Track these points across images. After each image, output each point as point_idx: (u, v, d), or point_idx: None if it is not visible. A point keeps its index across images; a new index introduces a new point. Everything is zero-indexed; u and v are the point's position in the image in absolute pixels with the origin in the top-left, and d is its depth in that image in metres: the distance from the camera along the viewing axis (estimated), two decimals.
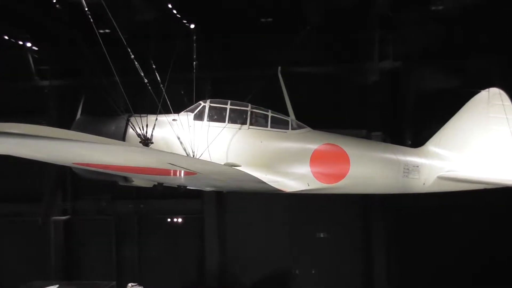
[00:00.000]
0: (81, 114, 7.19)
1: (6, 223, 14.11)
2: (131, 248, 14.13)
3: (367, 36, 12.09)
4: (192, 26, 11.57)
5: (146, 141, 5.01)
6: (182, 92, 8.07)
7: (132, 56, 5.91)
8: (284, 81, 12.00)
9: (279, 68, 7.64)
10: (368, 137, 12.14)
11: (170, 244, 14.06)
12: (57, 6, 9.35)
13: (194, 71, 6.79)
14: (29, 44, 12.93)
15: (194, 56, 6.92)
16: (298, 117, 11.89)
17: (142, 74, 6.11)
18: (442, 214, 12.12)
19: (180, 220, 13.59)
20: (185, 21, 11.35)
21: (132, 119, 7.03)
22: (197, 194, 12.91)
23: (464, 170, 7.40)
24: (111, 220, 14.20)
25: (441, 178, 7.32)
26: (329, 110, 12.54)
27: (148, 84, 6.18)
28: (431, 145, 7.66)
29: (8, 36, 12.35)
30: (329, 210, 12.92)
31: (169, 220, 13.92)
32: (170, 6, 10.75)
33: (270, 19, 11.98)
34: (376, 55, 12.24)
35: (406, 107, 12.07)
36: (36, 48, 13.23)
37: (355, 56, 12.46)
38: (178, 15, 11.13)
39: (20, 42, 12.73)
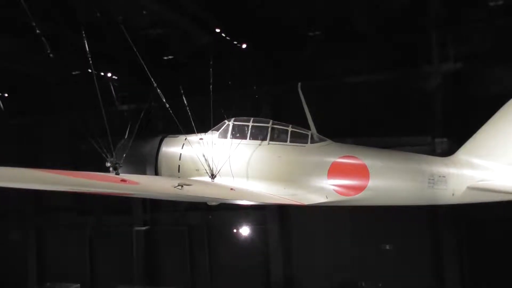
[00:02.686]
0: (127, 136, 8.37)
1: (98, 233, 16.30)
2: (203, 257, 15.27)
3: (424, 38, 11.76)
4: (244, 45, 12.44)
5: (114, 165, 5.71)
6: (222, 111, 8.83)
7: (155, 85, 6.83)
8: (345, 91, 12.26)
9: (299, 84, 7.98)
10: (432, 144, 11.80)
11: (237, 254, 14.88)
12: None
13: (211, 93, 7.49)
14: (109, 74, 14.85)
15: (211, 81, 7.62)
16: (356, 125, 12.04)
17: (164, 100, 7.01)
18: None
19: (246, 230, 14.33)
20: (235, 42, 12.24)
21: (166, 139, 8.00)
22: (261, 206, 13.59)
23: (498, 179, 6.94)
24: (185, 231, 15.52)
25: (471, 188, 6.97)
26: (392, 118, 12.36)
27: (169, 108, 7.06)
28: (462, 153, 7.33)
29: (91, 70, 14.41)
30: (395, 220, 12.60)
31: (235, 230, 14.79)
32: (218, 30, 11.67)
33: (318, 32, 12.28)
34: (436, 57, 11.85)
35: (466, 111, 11.42)
36: (116, 77, 15.15)
37: (414, 61, 12.17)
38: (227, 38, 12.03)
39: (102, 73, 14.71)
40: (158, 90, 6.98)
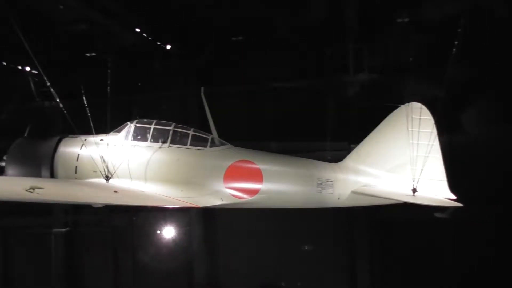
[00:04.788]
0: (26, 135, 8.26)
1: (16, 235, 15.65)
2: (126, 259, 15.11)
3: (341, 49, 12.43)
4: (168, 46, 12.55)
5: None
6: (138, 117, 8.88)
7: (48, 84, 6.83)
8: (266, 97, 12.67)
9: (202, 88, 8.25)
10: (349, 149, 12.49)
11: (161, 255, 14.87)
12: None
13: (109, 96, 7.61)
14: (28, 68, 14.36)
15: (109, 82, 7.73)
16: (278, 130, 12.47)
17: (58, 100, 7.03)
18: (434, 228, 11.94)
19: (171, 232, 14.38)
20: (159, 43, 12.32)
21: (65, 139, 7.99)
22: (187, 208, 13.64)
23: (380, 184, 7.58)
24: (108, 232, 15.24)
25: (355, 192, 7.57)
26: (312, 124, 12.91)
27: (63, 109, 7.08)
28: (350, 160, 7.96)
29: (7, 62, 13.89)
30: (317, 222, 13.16)
31: (159, 232, 14.79)
32: (138, 30, 11.72)
33: (240, 38, 12.65)
34: (351, 68, 12.54)
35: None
36: (35, 72, 14.67)
37: (331, 70, 12.80)
38: (149, 38, 12.10)
39: (20, 67, 14.20)
40: (52, 89, 6.98)
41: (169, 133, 7.91)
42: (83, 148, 7.82)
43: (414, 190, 7.04)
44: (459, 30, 6.45)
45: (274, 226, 13.64)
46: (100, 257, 15.17)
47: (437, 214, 8.27)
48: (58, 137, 8.06)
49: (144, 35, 11.93)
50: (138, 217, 14.83)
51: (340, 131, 12.48)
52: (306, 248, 13.60)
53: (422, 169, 7.08)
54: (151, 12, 11.17)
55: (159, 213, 14.38)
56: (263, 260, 13.84)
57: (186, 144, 7.87)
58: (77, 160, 7.80)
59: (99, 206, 7.31)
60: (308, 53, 12.54)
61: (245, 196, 7.66)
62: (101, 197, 6.71)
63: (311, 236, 13.57)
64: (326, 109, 12.95)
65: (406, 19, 11.21)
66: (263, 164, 7.76)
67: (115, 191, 6.75)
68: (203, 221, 14.23)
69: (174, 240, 14.67)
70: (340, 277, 13.42)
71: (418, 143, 7.46)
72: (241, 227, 13.91)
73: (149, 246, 14.91)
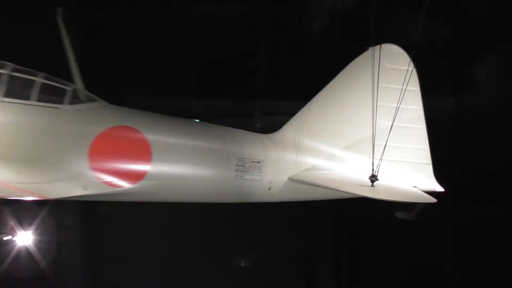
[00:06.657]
0: None
1: None
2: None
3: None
4: None
5: None
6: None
7: None
8: (174, 28, 11.62)
9: (59, 9, 7.09)
10: None
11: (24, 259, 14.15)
12: None
13: None
14: None
15: None
16: (191, 82, 11.44)
17: None
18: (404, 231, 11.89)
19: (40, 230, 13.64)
20: None
21: None
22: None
23: (333, 168, 6.82)
24: None
25: (292, 180, 6.78)
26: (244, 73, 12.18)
27: None
28: (290, 130, 6.74)
29: None
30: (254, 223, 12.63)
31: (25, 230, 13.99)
32: None
33: None
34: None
35: None
36: None
37: None
38: None
39: None
40: None
41: (2, 79, 6.83)
42: None
43: (374, 178, 6.32)
44: None
45: (195, 222, 12.92)
46: None
47: (398, 215, 7.63)
48: None
49: None
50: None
51: (293, 84, 11.86)
52: (243, 265, 13.20)
53: (385, 147, 6.30)
54: None
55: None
56: (173, 268, 13.21)
57: (29, 98, 6.59)
58: None
59: None
60: None
61: (123, 183, 6.60)
62: None
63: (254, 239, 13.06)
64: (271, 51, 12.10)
65: None
66: (154, 133, 6.21)
67: None
68: (85, 216, 13.42)
69: (64, 242, 13.87)
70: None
71: (389, 106, 6.60)
72: (143, 224, 13.07)
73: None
